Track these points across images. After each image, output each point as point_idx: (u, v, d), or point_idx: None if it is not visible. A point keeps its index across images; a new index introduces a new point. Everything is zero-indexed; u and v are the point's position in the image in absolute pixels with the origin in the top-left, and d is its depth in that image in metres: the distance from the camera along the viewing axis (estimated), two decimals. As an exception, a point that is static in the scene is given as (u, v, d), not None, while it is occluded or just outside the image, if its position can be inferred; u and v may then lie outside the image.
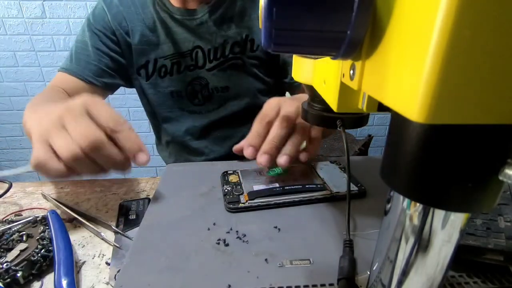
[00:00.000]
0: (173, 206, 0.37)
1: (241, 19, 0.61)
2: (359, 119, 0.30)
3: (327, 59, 0.22)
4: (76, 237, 0.39)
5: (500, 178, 0.13)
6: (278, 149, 0.40)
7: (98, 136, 0.31)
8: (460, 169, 0.13)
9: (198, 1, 0.59)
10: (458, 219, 0.16)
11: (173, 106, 0.67)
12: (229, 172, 0.44)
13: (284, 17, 0.13)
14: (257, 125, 0.41)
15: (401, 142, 0.14)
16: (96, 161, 0.32)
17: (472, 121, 0.10)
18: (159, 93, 0.65)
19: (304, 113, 0.33)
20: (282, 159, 0.39)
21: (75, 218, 0.42)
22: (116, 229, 0.39)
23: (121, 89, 0.67)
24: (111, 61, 0.62)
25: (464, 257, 0.26)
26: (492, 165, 0.13)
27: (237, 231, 0.32)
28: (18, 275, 0.30)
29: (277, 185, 0.39)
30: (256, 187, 0.39)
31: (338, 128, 0.30)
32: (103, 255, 0.36)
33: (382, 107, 0.18)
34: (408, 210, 0.17)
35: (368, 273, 0.26)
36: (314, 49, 0.15)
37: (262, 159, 0.39)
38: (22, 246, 0.33)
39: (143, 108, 0.73)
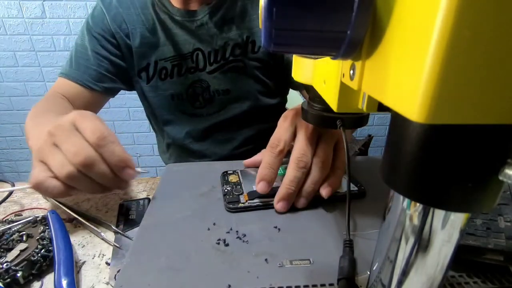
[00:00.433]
0: (173, 206, 0.37)
1: (242, 20, 0.60)
2: (359, 119, 0.30)
3: (327, 59, 0.22)
4: (76, 237, 0.39)
5: (500, 178, 0.13)
6: (296, 192, 0.35)
7: (88, 153, 0.31)
8: (460, 169, 0.13)
9: (199, 2, 0.59)
10: (458, 219, 0.16)
11: (174, 109, 0.66)
12: (229, 172, 0.44)
13: (284, 17, 0.13)
14: (269, 155, 0.37)
15: (401, 142, 0.14)
16: (93, 179, 0.32)
17: (472, 121, 0.10)
18: (160, 96, 0.65)
19: (304, 113, 0.33)
20: (300, 203, 0.36)
21: (75, 218, 0.42)
22: (116, 229, 0.39)
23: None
24: (111, 65, 0.62)
25: (464, 257, 0.26)
26: (492, 165, 0.13)
27: (237, 231, 0.32)
28: (18, 275, 0.30)
29: (277, 185, 0.39)
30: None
31: (338, 128, 0.30)
32: (103, 255, 0.36)
33: (382, 107, 0.18)
34: (408, 210, 0.17)
35: (368, 273, 0.26)
36: (314, 49, 0.15)
37: (278, 206, 0.35)
38: (22, 246, 0.33)
39: (143, 109, 0.73)
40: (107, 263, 0.34)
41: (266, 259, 0.29)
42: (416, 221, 0.16)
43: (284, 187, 0.35)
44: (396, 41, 0.12)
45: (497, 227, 0.26)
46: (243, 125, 0.68)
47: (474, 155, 0.13)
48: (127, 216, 0.42)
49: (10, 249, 0.33)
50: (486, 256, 0.25)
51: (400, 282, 0.18)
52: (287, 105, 0.77)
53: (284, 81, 0.68)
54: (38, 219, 0.38)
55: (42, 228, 0.37)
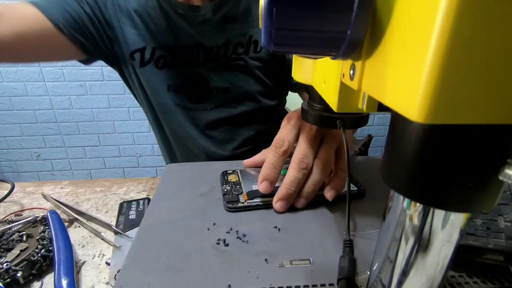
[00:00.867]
0: (173, 206, 0.37)
1: (245, 19, 0.60)
2: (359, 119, 0.30)
3: (327, 59, 0.22)
4: (76, 237, 0.39)
5: (500, 178, 0.13)
6: (295, 192, 0.36)
7: None
8: (460, 169, 0.13)
9: None
10: (458, 219, 0.16)
11: (167, 98, 0.64)
12: (228, 171, 0.44)
13: (284, 17, 0.13)
14: (272, 155, 0.37)
15: (401, 142, 0.14)
16: None
17: (472, 121, 0.10)
18: (154, 83, 0.62)
19: (304, 113, 0.33)
20: (299, 204, 0.36)
21: (75, 218, 0.42)
22: (116, 229, 0.39)
23: (121, 89, 0.66)
24: (90, 23, 0.55)
25: (464, 257, 0.26)
26: (492, 165, 0.13)
27: (237, 231, 0.32)
28: (18, 275, 0.30)
29: (277, 184, 0.39)
30: (256, 187, 0.39)
31: (338, 128, 0.30)
32: (103, 255, 0.36)
33: (382, 107, 0.18)
34: (408, 210, 0.17)
35: (368, 273, 0.26)
36: (314, 49, 0.15)
37: (277, 206, 0.35)
38: (22, 246, 0.33)
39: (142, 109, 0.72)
40: (107, 263, 0.34)
41: (266, 259, 0.29)
42: (416, 221, 0.16)
43: (284, 187, 0.35)
44: (396, 41, 0.12)
45: (497, 227, 0.26)
46: (242, 126, 0.67)
47: (474, 155, 0.13)
48: (127, 216, 0.42)
49: (10, 249, 0.33)
50: (486, 256, 0.25)
51: (400, 282, 0.18)
52: (286, 107, 0.77)
53: (284, 82, 0.68)
54: (38, 219, 0.38)
55: (42, 228, 0.37)
